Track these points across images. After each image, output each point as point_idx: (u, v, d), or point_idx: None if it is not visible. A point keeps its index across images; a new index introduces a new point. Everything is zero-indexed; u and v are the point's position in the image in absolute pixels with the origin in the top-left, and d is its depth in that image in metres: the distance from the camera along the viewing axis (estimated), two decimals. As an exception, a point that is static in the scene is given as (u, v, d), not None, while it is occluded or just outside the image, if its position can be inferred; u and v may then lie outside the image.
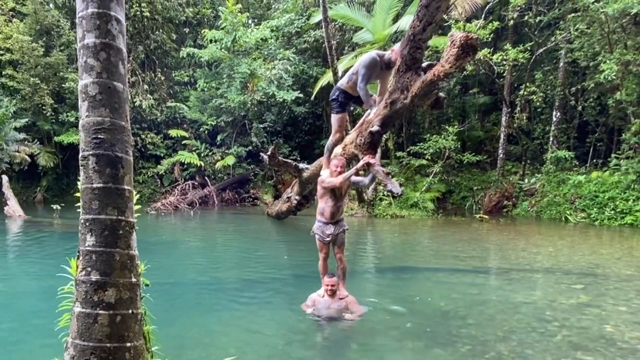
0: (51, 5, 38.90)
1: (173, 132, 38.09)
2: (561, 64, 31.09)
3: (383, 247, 20.95)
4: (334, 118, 11.50)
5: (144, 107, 37.66)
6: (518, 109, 32.73)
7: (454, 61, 9.64)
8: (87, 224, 4.42)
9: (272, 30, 37.16)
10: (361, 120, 12.02)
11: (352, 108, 13.47)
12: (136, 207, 4.78)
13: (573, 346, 8.30)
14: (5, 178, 30.37)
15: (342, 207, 10.66)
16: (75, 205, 4.67)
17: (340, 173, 10.09)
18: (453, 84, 35.11)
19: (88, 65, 4.35)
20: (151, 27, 39.85)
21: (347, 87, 11.09)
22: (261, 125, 37.55)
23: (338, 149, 12.11)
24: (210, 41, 36.84)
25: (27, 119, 35.86)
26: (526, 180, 31.30)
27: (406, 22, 26.92)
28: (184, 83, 41.97)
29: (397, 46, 10.58)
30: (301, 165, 20.80)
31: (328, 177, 10.23)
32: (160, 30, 40.48)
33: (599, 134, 31.78)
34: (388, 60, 10.55)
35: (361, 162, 10.22)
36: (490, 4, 29.37)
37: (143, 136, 38.43)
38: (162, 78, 40.87)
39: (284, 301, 11.58)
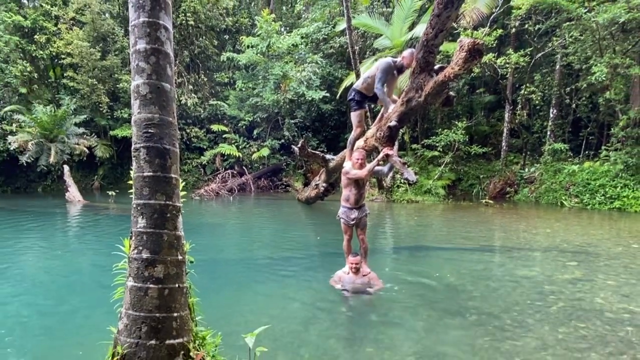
0: (107, 15, 39.23)
1: (214, 127, 38.78)
2: (557, 66, 31.41)
3: (400, 228, 21.10)
4: (353, 115, 11.69)
5: (189, 105, 38.33)
6: (519, 106, 33.27)
7: (463, 64, 10.40)
8: (138, 208, 4.56)
9: (302, 37, 37.29)
10: (379, 116, 12.32)
11: (372, 106, 14.29)
12: (182, 193, 4.90)
13: (568, 316, 8.57)
14: (66, 167, 31.23)
15: (364, 194, 10.87)
16: (128, 191, 4.89)
17: (361, 164, 10.41)
18: (462, 85, 35.21)
19: (139, 68, 4.51)
20: (195, 34, 40.16)
21: (362, 89, 11.32)
22: (292, 121, 38.03)
23: (360, 142, 12.31)
24: (248, 47, 37.32)
25: (85, 116, 36.46)
26: (526, 170, 31.61)
27: (420, 29, 26.79)
28: (224, 84, 42.06)
29: (406, 52, 10.96)
30: (327, 156, 21.70)
31: (352, 169, 10.51)
32: (204, 37, 40.91)
33: (591, 128, 32.09)
34: (400, 66, 10.89)
35: (381, 154, 10.53)
36: (495, 13, 29.35)
37: (188, 130, 39.17)
38: (205, 79, 41.33)
39: (313, 276, 11.75)
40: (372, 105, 13.26)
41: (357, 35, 34.63)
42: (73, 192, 30.04)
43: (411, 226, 21.39)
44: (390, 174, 25.70)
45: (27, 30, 38.37)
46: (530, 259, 13.73)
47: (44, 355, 6.99)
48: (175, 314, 4.46)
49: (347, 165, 10.83)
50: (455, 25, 27.60)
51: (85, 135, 36.55)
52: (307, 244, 17.20)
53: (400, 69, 10.81)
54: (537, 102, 31.99)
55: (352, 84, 11.87)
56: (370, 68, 11.19)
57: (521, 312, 8.74)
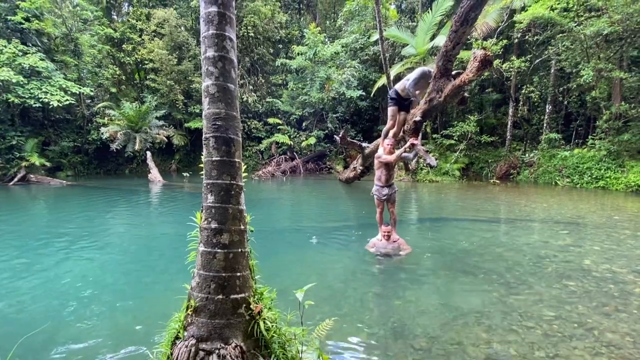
0: (182, 28, 39.85)
1: (270, 120, 39.17)
2: (552, 70, 31.43)
3: (423, 203, 21.07)
4: (389, 110, 11.49)
5: (249, 101, 39.00)
6: (521, 103, 33.47)
7: (476, 71, 11.18)
8: (208, 186, 4.54)
9: (342, 46, 37.87)
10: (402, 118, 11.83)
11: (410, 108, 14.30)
12: (244, 175, 4.81)
13: (560, 275, 8.75)
14: (149, 153, 32.62)
15: (393, 174, 11.01)
16: (200, 173, 4.81)
17: (391, 151, 10.61)
18: (473, 85, 34.29)
19: (209, 72, 4.51)
20: (255, 44, 40.40)
21: (400, 90, 11.15)
22: (334, 115, 38.42)
23: (390, 132, 11.85)
24: (298, 54, 37.74)
25: (164, 111, 38.00)
26: (527, 155, 31.67)
27: (440, 40, 28.01)
28: (278, 84, 42.12)
29: (438, 65, 11.26)
30: (363, 144, 22.03)
31: (383, 154, 10.65)
32: (262, 46, 41.20)
33: (580, 121, 32.17)
34: (434, 76, 10.99)
35: (407, 144, 10.51)
36: (501, 27, 29.61)
37: (249, 123, 39.86)
38: (263, 81, 41.74)
39: (352, 243, 11.82)
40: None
41: (388, 44, 34.57)
42: (154, 174, 31.02)
43: (432, 201, 21.54)
44: (415, 159, 25.87)
45: (116, 40, 40.30)
46: (530, 229, 13.89)
47: (133, 305, 7.48)
48: (238, 274, 4.51)
49: (380, 151, 11.02)
50: (468, 37, 27.35)
51: (164, 127, 37.91)
52: (346, 216, 17.47)
53: (430, 80, 10.95)
54: (535, 99, 32.21)
55: (383, 85, 12.25)
56: (412, 73, 11.10)
57: (522, 272, 9.01)
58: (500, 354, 5.68)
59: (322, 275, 9.04)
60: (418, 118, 12.58)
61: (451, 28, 11.79)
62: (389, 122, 11.51)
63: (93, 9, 37.81)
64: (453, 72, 12.47)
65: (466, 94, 12.54)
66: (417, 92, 10.95)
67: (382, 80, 31.83)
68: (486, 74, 30.00)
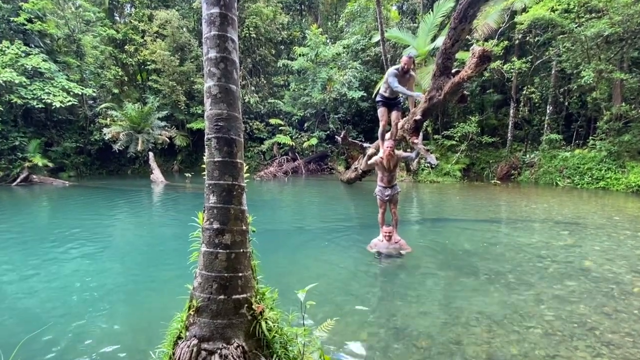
0: (184, 29, 40.07)
1: (272, 121, 39.13)
2: (553, 71, 31.54)
3: (424, 204, 21.16)
4: (379, 111, 11.48)
5: (251, 102, 38.86)
6: (522, 104, 33.61)
7: (474, 67, 10.90)
8: (210, 187, 4.57)
9: (344, 47, 38.00)
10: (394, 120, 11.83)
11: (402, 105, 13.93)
12: (245, 175, 4.85)
13: (561, 275, 8.77)
14: (151, 154, 32.65)
15: (395, 175, 10.97)
16: (202, 173, 4.84)
17: (390, 152, 10.47)
18: (475, 86, 35.12)
19: (211, 73, 4.53)
20: (257, 45, 40.47)
21: (383, 92, 11.25)
22: (336, 116, 38.48)
23: (388, 134, 12.07)
24: (299, 55, 37.78)
25: (167, 111, 37.94)
26: (527, 156, 31.62)
27: (441, 41, 27.52)
28: (280, 85, 42.23)
29: (403, 58, 10.64)
30: (365, 145, 22.01)
31: (366, 159, 11.09)
32: (263, 47, 41.30)
33: (580, 122, 32.04)
34: (403, 69, 10.56)
35: (379, 155, 10.78)
36: (502, 28, 29.72)
37: (251, 123, 39.53)
38: (264, 82, 41.79)
39: (353, 243, 11.77)
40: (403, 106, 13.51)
41: (389, 45, 34.80)
42: (156, 174, 30.98)
43: (433, 202, 21.57)
44: (417, 160, 25.66)
45: (119, 41, 40.34)
46: (531, 229, 13.93)
47: (135, 306, 7.60)
48: (240, 274, 4.53)
49: (380, 153, 11.03)
50: (469, 38, 27.94)
51: (166, 128, 37.84)
52: (348, 216, 17.55)
53: (406, 71, 10.63)
54: (536, 100, 32.26)
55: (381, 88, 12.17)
56: (385, 77, 11.22)
57: (523, 272, 9.04)
58: (501, 354, 5.68)
59: (324, 275, 9.04)
60: (418, 117, 12.63)
61: (450, 25, 11.76)
62: (381, 123, 11.56)
63: (95, 10, 37.84)
64: (452, 71, 12.35)
65: (466, 93, 12.27)
66: (402, 87, 10.77)
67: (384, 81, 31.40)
68: (487, 74, 30.82)
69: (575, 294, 7.85)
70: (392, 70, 10.85)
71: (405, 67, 10.47)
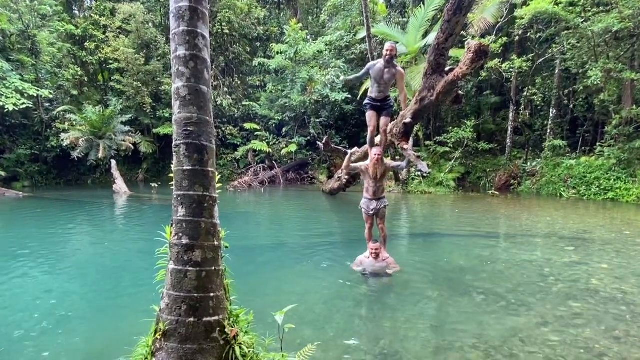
0: (150, 24, 40.22)
1: (247, 125, 39.32)
2: (556, 71, 31.73)
3: (415, 217, 21.15)
4: (366, 115, 11.22)
5: (224, 105, 39.25)
6: (522, 107, 33.83)
7: (470, 64, 11.22)
8: (179, 198, 4.55)
9: (326, 44, 38.42)
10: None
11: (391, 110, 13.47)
12: (218, 185, 4.85)
13: (566, 296, 8.67)
14: (114, 162, 32.41)
15: (383, 186, 10.91)
16: (169, 183, 4.85)
17: (378, 159, 10.47)
18: (470, 87, 35.62)
19: (180, 72, 4.51)
20: (230, 41, 40.94)
21: (370, 94, 10.98)
22: (317, 120, 38.42)
23: (377, 139, 11.61)
24: (277, 53, 38.08)
25: (131, 115, 37.81)
26: (528, 164, 31.73)
27: (433, 37, 27.46)
28: (256, 86, 42.68)
29: (387, 44, 10.40)
30: (349, 152, 22.33)
31: (349, 156, 10.82)
32: (237, 44, 41.78)
33: (587, 126, 32.26)
34: (385, 57, 10.27)
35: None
36: (500, 23, 29.71)
37: (223, 128, 40.02)
38: (239, 82, 42.17)
39: (337, 261, 11.65)
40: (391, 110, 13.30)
41: (376, 42, 34.30)
42: (119, 184, 30.92)
43: (425, 215, 21.59)
44: (407, 169, 25.72)
45: (78, 38, 40.16)
46: (532, 245, 13.92)
47: (93, 332, 7.39)
48: (211, 294, 4.52)
49: (367, 161, 10.93)
50: (465, 34, 27.86)
51: (130, 133, 37.77)
52: (331, 231, 17.48)
53: (389, 60, 10.28)
54: (538, 103, 32.62)
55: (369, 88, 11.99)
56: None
57: (524, 292, 8.95)
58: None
59: (304, 296, 9.00)
60: (408, 120, 12.86)
61: (444, 18, 11.97)
62: (369, 129, 11.34)
63: (52, 3, 37.31)
64: (446, 68, 12.64)
65: (461, 93, 12.66)
66: (375, 84, 10.78)
67: (369, 83, 31.24)
68: (484, 74, 31.12)
69: (581, 316, 7.75)
70: (367, 65, 10.89)
71: (389, 54, 10.25)
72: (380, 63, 10.49)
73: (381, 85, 10.69)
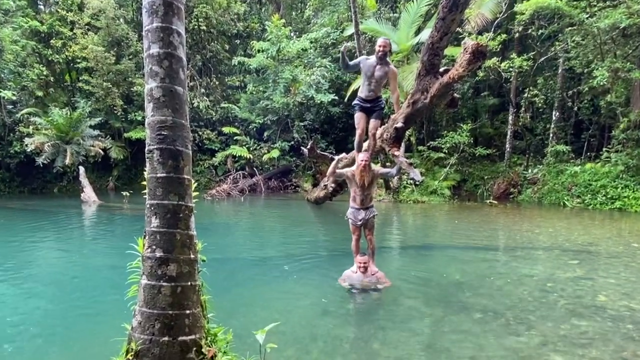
0: (121, 20, 39.93)
1: (226, 129, 39.12)
2: (560, 70, 31.83)
3: (406, 228, 21.15)
4: (355, 117, 11.08)
5: (201, 107, 39.06)
6: (523, 109, 33.99)
7: (467, 65, 10.98)
8: (152, 208, 4.58)
9: (311, 42, 38.09)
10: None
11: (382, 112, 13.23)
12: (194, 194, 4.88)
13: (570, 313, 8.57)
14: (82, 169, 31.98)
15: (371, 195, 10.79)
16: (142, 192, 4.87)
17: (365, 166, 10.24)
18: (467, 88, 35.59)
19: (153, 72, 4.52)
20: (207, 39, 40.75)
21: (360, 94, 10.81)
22: (302, 123, 38.48)
23: (365, 144, 11.65)
24: (258, 51, 38.07)
25: (100, 118, 37.31)
26: (529, 171, 31.83)
27: (426, 34, 27.01)
28: (235, 87, 42.66)
29: (380, 40, 10.18)
30: (336, 157, 21.96)
31: (335, 163, 10.65)
32: (215, 42, 41.52)
33: (592, 130, 32.41)
34: (377, 54, 10.11)
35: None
36: (499, 19, 29.66)
37: (200, 132, 39.75)
38: (217, 83, 42.01)
39: (322, 275, 11.63)
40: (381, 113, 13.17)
41: (365, 40, 34.39)
42: (88, 193, 30.63)
43: (417, 226, 21.69)
44: (398, 176, 25.67)
45: (43, 35, 39.34)
46: (533, 258, 13.89)
47: (61, 352, 7.33)
48: (187, 312, 4.53)
49: (353, 167, 10.76)
50: (460, 30, 28.11)
51: (100, 138, 37.26)
52: (316, 243, 17.43)
53: (382, 57, 10.13)
54: (540, 105, 32.66)
55: (359, 88, 11.89)
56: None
57: (524, 309, 8.86)
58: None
59: (287, 313, 8.89)
60: (400, 124, 12.65)
61: (438, 15, 11.79)
62: (357, 132, 11.25)
63: (16, -4, 37.07)
64: (440, 69, 12.42)
65: (457, 96, 12.49)
66: (368, 83, 10.59)
67: (359, 82, 30.70)
68: (481, 74, 31.06)
69: (586, 335, 7.66)
70: (362, 57, 10.75)
71: (382, 49, 10.09)
72: (372, 59, 10.32)
73: (372, 83, 10.51)
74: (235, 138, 39.50)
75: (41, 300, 10.06)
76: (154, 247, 4.51)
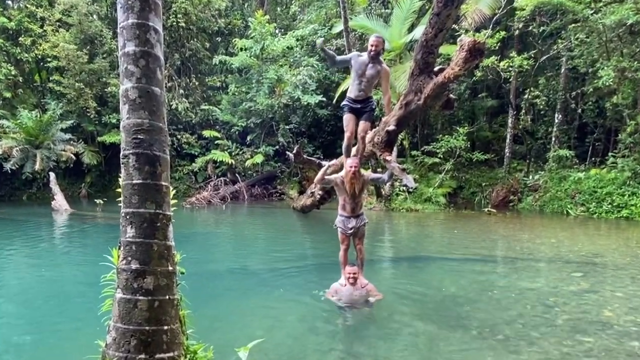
0: (94, 16, 39.70)
1: (206, 133, 39.09)
2: (562, 70, 31.73)
3: (399, 238, 21.22)
4: (344, 119, 10.89)
5: (179, 109, 38.76)
6: (523, 111, 33.96)
7: (463, 64, 11.02)
8: (127, 217, 4.58)
9: (297, 39, 37.85)
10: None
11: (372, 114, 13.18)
12: (172, 202, 4.91)
13: (573, 329, 8.53)
14: (52, 175, 31.50)
15: (361, 202, 10.67)
16: (117, 199, 4.87)
17: (354, 172, 10.08)
18: (463, 89, 35.53)
19: (128, 72, 4.53)
20: (186, 36, 40.70)
21: (349, 94, 10.63)
22: (287, 127, 38.31)
23: (354, 149, 11.59)
24: (241, 49, 37.99)
25: (72, 121, 36.81)
26: (530, 177, 31.84)
27: (420, 31, 27.05)
28: (216, 88, 42.46)
29: (372, 37, 10.13)
30: (324, 163, 21.93)
31: (323, 170, 10.38)
32: (195, 40, 41.50)
33: (597, 134, 32.37)
34: (370, 52, 10.01)
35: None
36: (498, 15, 29.65)
37: (179, 136, 39.47)
38: (197, 83, 41.85)
39: (309, 288, 11.46)
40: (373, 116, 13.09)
41: (355, 37, 34.53)
42: (59, 201, 30.26)
43: (411, 235, 21.70)
44: (390, 182, 26.07)
45: (11, 32, 38.73)
46: (534, 270, 13.88)
47: None
48: (165, 327, 4.52)
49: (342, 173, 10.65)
50: (457, 27, 28.15)
51: (72, 142, 36.94)
52: (302, 254, 17.43)
53: (375, 56, 10.05)
54: (541, 106, 32.44)
55: (349, 88, 11.79)
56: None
57: (525, 324, 8.83)
58: None
59: (272, 329, 8.84)
60: (392, 127, 12.68)
61: (433, 11, 11.72)
62: (346, 135, 11.08)
63: (-19, -8, 36.82)
64: (435, 68, 12.39)
65: (452, 96, 12.45)
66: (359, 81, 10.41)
67: (348, 82, 30.91)
68: (479, 74, 31.21)
69: (591, 352, 7.60)
70: (354, 53, 10.66)
71: (374, 49, 9.98)
72: (364, 56, 10.20)
73: (362, 82, 10.36)
74: (216, 142, 39.35)
75: (8, 316, 9.93)
76: (129, 258, 4.51)
